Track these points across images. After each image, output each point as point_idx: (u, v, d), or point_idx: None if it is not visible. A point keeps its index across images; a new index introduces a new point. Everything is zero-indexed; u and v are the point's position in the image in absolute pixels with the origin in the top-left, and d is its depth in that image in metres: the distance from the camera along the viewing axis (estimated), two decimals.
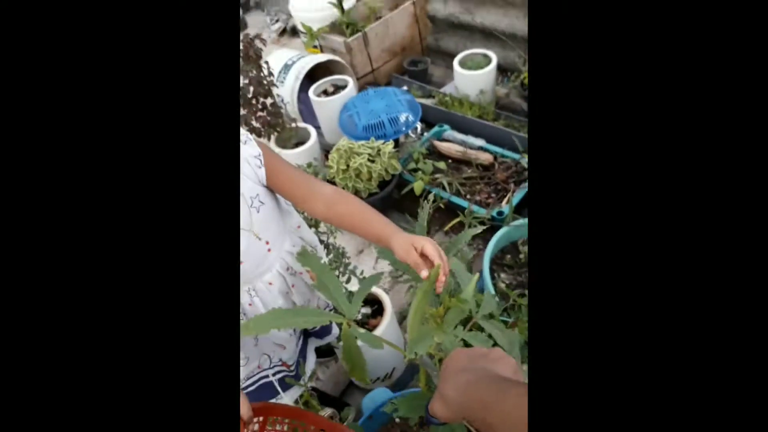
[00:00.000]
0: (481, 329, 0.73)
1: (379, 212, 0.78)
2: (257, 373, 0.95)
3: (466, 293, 0.64)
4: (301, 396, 0.98)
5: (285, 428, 0.77)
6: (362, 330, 0.66)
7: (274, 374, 0.94)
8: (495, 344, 0.82)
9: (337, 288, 0.67)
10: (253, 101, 1.72)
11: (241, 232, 0.77)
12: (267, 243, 0.81)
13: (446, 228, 1.67)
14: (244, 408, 0.66)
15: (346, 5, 2.30)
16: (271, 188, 0.80)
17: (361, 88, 2.26)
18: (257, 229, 0.78)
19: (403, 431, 1.01)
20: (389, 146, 1.63)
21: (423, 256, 0.67)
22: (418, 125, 1.93)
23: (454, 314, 0.65)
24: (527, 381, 0.41)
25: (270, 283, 0.85)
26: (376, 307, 1.31)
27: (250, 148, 0.76)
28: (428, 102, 2.05)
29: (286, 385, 0.97)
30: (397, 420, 1.01)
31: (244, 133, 0.78)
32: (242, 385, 0.93)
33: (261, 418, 0.77)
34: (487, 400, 0.41)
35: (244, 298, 0.84)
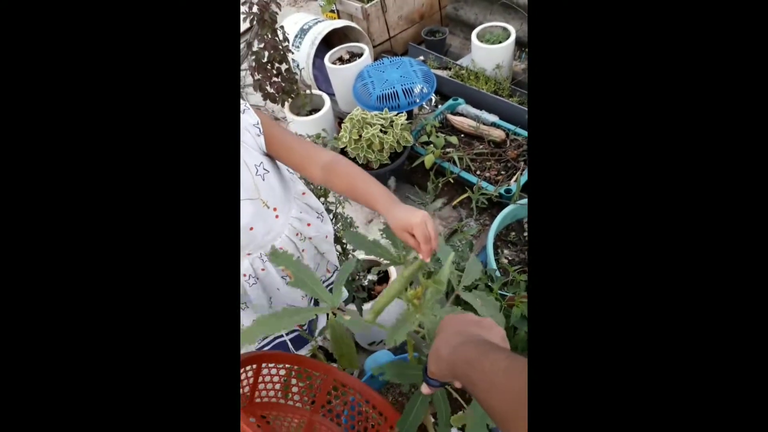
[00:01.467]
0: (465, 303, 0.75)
1: (382, 185, 0.78)
2: (270, 337, 1.00)
3: (442, 274, 0.64)
4: (310, 351, 1.03)
5: (281, 373, 0.82)
6: (347, 317, 0.67)
7: (287, 333, 0.99)
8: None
9: (315, 281, 0.68)
10: (268, 66, 1.71)
11: (249, 200, 0.79)
12: (275, 210, 0.84)
13: (454, 203, 1.68)
14: None
15: None
16: (270, 155, 0.82)
17: (377, 57, 2.22)
18: (264, 196, 0.80)
19: (402, 393, 1.06)
20: (402, 118, 1.63)
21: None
22: (433, 97, 1.91)
23: (432, 294, 0.66)
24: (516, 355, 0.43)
25: (280, 248, 0.88)
26: (382, 274, 1.34)
27: (248, 117, 0.78)
28: (444, 74, 2.02)
29: (299, 345, 1.02)
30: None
31: (242, 102, 0.79)
32: (258, 345, 0.98)
33: (254, 366, 0.81)
34: (472, 359, 0.44)
35: (257, 264, 0.87)
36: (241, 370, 0.78)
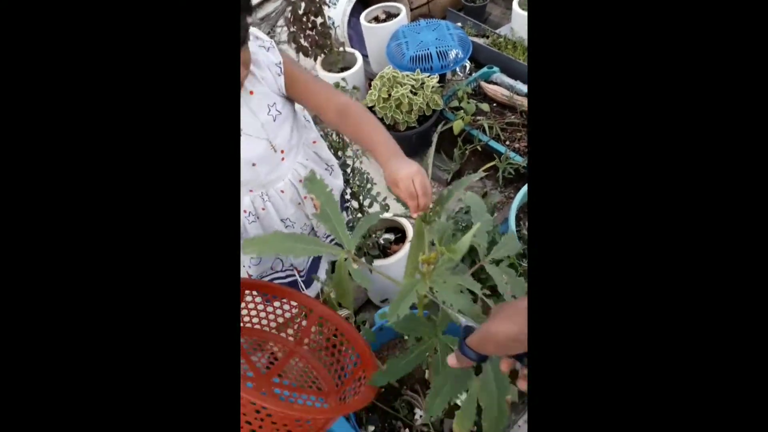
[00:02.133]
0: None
1: (390, 136, 0.76)
2: (270, 274, 1.00)
3: (461, 243, 0.59)
4: (319, 296, 1.04)
5: (274, 304, 0.82)
6: (355, 266, 0.66)
7: (284, 277, 0.99)
8: (492, 292, 0.80)
9: (339, 220, 0.67)
10: (303, 19, 1.68)
11: (257, 139, 0.78)
12: (282, 152, 0.83)
13: (480, 171, 1.65)
14: None
15: None
16: (290, 97, 0.81)
17: (413, 20, 2.16)
18: (272, 137, 0.80)
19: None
20: (434, 80, 1.59)
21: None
22: (467, 63, 1.85)
23: (443, 262, 0.62)
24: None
25: (282, 191, 0.87)
26: (399, 234, 1.34)
27: (272, 55, 0.76)
28: (481, 41, 1.95)
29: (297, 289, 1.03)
30: (406, 337, 1.07)
31: (267, 39, 0.78)
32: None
33: (255, 293, 0.82)
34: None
35: (257, 202, 0.87)
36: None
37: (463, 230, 1.09)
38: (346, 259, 0.66)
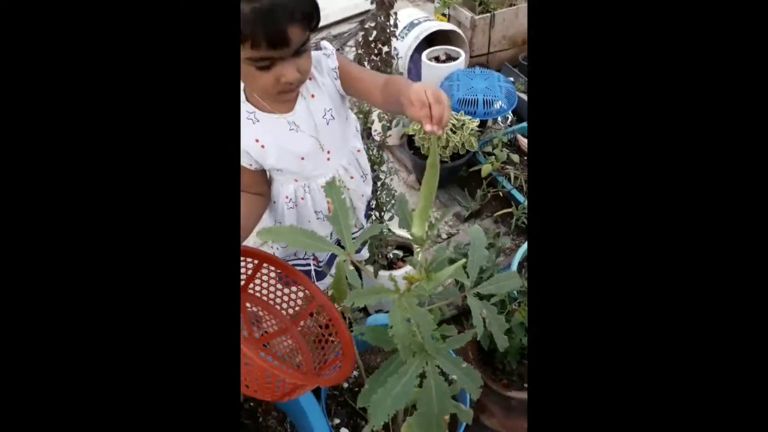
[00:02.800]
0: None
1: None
2: (292, 260, 1.11)
3: (442, 274, 0.61)
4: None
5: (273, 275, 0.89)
6: (352, 268, 0.69)
7: (303, 265, 1.09)
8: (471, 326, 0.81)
9: (347, 225, 0.71)
10: (372, 45, 1.84)
11: (309, 137, 0.87)
12: (328, 152, 0.92)
13: (496, 215, 1.73)
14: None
15: None
16: (346, 92, 0.90)
17: (470, 66, 2.29)
18: (323, 138, 0.89)
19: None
20: (474, 123, 1.70)
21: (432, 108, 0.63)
22: (509, 115, 1.96)
23: (418, 290, 0.64)
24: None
25: (321, 186, 0.96)
26: (408, 254, 1.43)
27: (330, 62, 0.86)
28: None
29: (316, 279, 1.13)
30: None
31: (330, 48, 0.88)
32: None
33: (256, 262, 0.90)
34: None
35: (299, 192, 0.97)
36: (243, 259, 0.88)
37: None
38: (344, 261, 0.70)
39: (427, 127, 0.63)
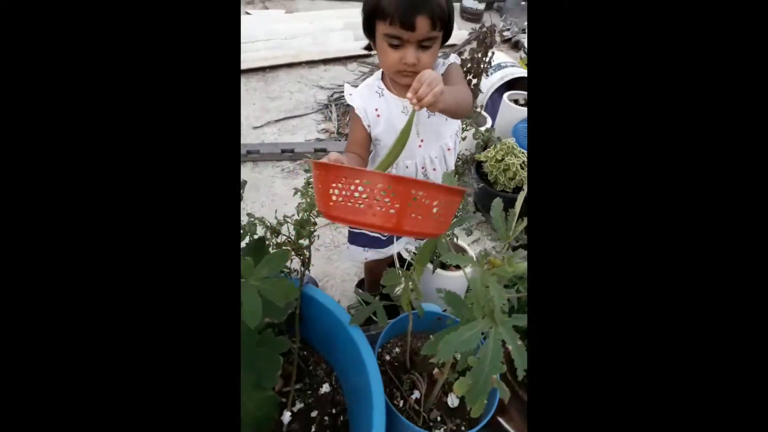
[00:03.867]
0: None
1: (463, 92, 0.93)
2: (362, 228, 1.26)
3: (519, 267, 0.73)
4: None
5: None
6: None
7: (373, 231, 1.24)
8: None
9: None
10: (464, 74, 2.02)
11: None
12: (422, 141, 1.06)
13: None
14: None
15: None
16: None
17: None
18: (421, 127, 1.04)
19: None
20: None
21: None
22: None
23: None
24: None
25: (407, 167, 1.10)
26: None
27: (442, 69, 1.02)
28: None
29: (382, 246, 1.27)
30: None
31: (451, 59, 1.04)
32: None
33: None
34: None
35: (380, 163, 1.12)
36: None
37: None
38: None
39: (408, 94, 0.76)
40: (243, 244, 0.95)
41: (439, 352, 0.74)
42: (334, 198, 0.66)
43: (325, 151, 2.10)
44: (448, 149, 1.15)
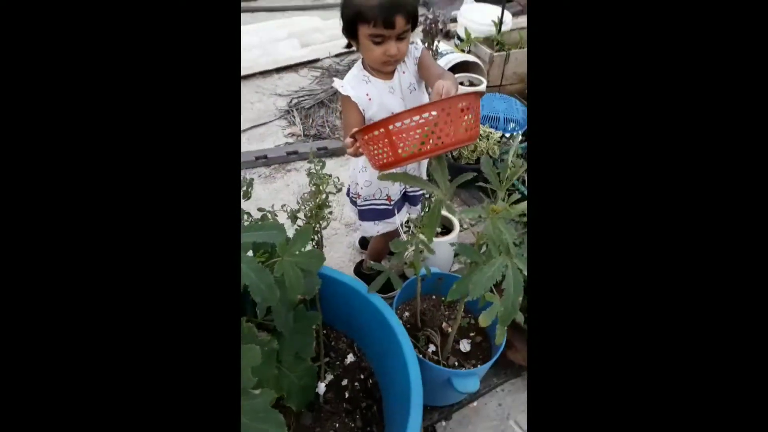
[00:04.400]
0: None
1: (454, 82, 1.05)
2: (371, 199, 1.39)
3: (518, 208, 0.96)
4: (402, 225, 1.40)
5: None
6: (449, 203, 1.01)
7: (380, 204, 1.38)
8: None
9: (445, 173, 1.01)
10: None
11: (398, 98, 1.21)
12: None
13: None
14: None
15: (504, 28, 2.73)
16: (419, 75, 1.23)
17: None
18: (407, 101, 1.23)
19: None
20: (497, 135, 2.03)
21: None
22: (521, 135, 2.31)
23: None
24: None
25: None
26: (445, 229, 1.71)
27: (416, 53, 1.22)
28: None
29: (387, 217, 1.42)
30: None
31: (419, 44, 1.23)
32: (362, 202, 1.39)
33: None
34: None
35: None
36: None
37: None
38: (440, 199, 1.03)
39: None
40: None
41: (471, 291, 0.88)
42: (401, 145, 0.88)
43: (297, 153, 2.18)
44: None
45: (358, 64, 1.24)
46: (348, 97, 1.18)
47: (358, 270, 1.74)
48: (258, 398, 0.63)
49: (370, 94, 1.20)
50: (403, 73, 1.22)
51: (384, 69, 1.18)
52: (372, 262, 1.59)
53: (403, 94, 1.23)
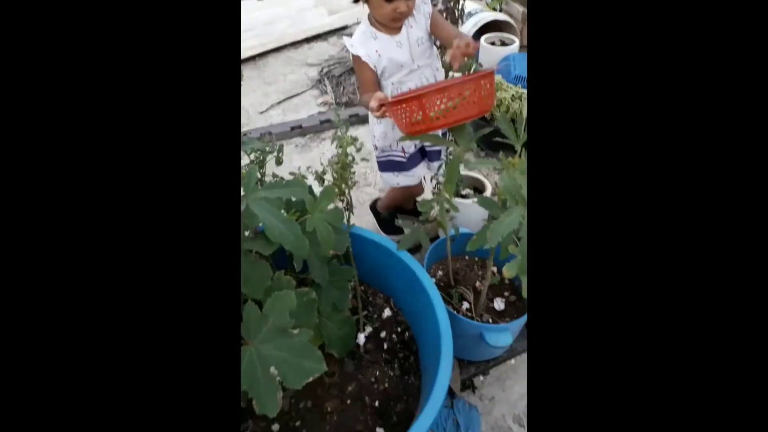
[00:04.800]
0: None
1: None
2: (388, 150, 1.44)
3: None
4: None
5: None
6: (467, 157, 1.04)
7: (397, 156, 1.43)
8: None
9: (462, 128, 1.06)
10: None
11: (406, 51, 1.24)
12: (417, 65, 1.29)
13: None
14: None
15: None
16: (432, 33, 1.27)
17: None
18: (415, 55, 1.27)
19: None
20: None
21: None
22: None
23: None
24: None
25: (409, 89, 1.31)
26: (476, 191, 1.73)
27: (427, 8, 1.25)
28: None
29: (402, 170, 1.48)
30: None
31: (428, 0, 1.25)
32: (379, 153, 1.45)
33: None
34: None
35: (389, 89, 1.31)
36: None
37: None
38: (459, 153, 1.06)
39: (447, 58, 1.08)
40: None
41: (489, 239, 0.91)
42: (433, 111, 0.97)
43: (329, 121, 2.22)
44: (437, 69, 1.38)
45: (365, 20, 1.26)
46: (358, 57, 1.22)
47: (373, 206, 1.79)
48: (297, 337, 0.70)
49: (379, 49, 1.23)
50: (411, 27, 1.25)
51: (392, 25, 1.21)
52: (384, 210, 1.67)
53: (411, 48, 1.26)
